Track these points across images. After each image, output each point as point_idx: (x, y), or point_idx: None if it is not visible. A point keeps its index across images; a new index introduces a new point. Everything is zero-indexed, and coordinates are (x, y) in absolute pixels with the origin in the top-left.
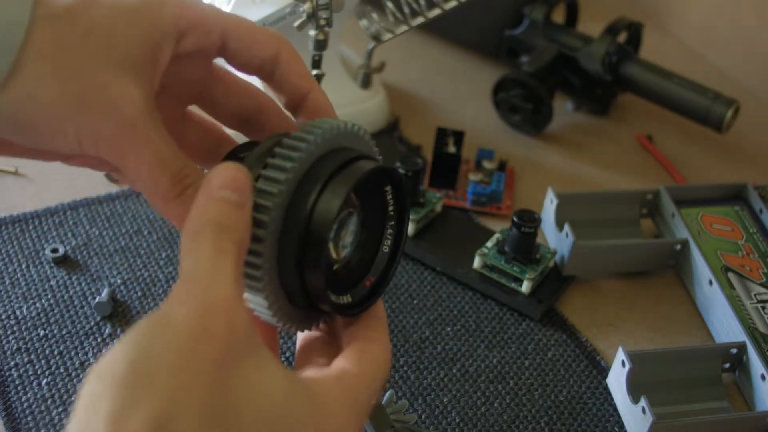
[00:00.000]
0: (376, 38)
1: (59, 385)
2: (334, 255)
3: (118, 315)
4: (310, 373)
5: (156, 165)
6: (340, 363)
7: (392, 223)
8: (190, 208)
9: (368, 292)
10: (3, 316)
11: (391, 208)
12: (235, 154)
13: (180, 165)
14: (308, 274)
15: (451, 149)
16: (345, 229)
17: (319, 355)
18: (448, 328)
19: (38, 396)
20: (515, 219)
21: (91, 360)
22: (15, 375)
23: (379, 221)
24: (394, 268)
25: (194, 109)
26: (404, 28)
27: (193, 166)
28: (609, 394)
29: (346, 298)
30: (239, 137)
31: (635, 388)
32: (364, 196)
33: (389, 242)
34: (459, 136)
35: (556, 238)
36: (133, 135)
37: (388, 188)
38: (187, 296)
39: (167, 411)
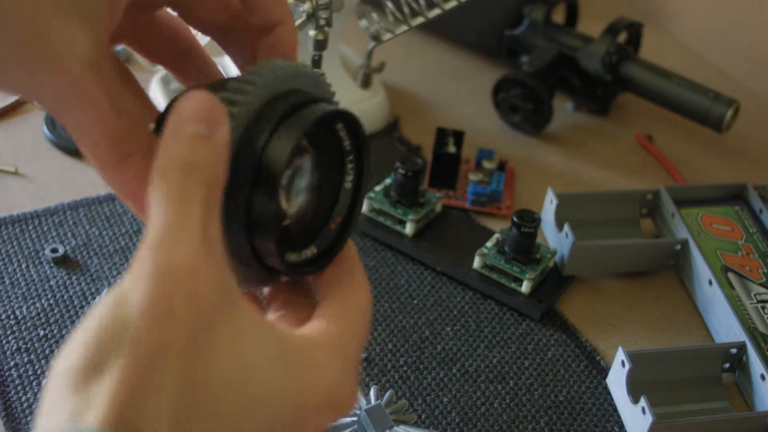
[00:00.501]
0: (376, 38)
1: None
2: (286, 207)
3: None
4: (292, 330)
5: (96, 128)
6: (322, 319)
7: (350, 157)
8: (132, 178)
9: (336, 235)
10: (3, 316)
11: (346, 143)
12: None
13: (123, 129)
14: (258, 234)
15: (451, 149)
16: (298, 176)
17: (290, 312)
18: (448, 328)
19: (38, 396)
20: (515, 219)
21: None
22: (15, 375)
23: (335, 160)
24: (360, 200)
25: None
26: (404, 28)
27: (139, 130)
28: (609, 394)
29: (311, 251)
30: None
31: (635, 388)
32: (315, 139)
33: (351, 177)
34: (459, 136)
35: (556, 238)
36: (74, 93)
37: (340, 125)
38: (143, 266)
39: (126, 412)
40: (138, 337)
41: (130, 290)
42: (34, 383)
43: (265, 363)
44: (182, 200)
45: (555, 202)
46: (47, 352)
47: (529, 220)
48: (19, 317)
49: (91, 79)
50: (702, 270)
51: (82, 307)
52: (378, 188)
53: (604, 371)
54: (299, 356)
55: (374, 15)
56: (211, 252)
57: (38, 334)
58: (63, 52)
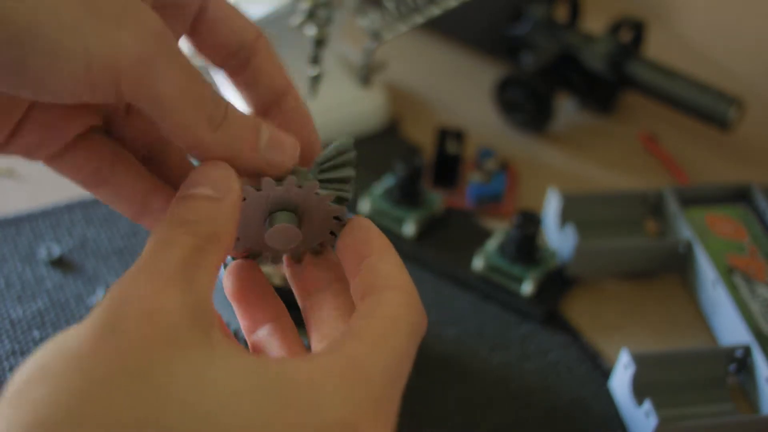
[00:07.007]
0: (376, 37)
1: None
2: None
3: None
4: (291, 359)
5: (196, 79)
6: (336, 337)
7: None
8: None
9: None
10: None
11: None
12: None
13: (210, 91)
14: None
15: (452, 149)
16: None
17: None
18: (449, 330)
19: None
20: (517, 220)
21: None
22: (10, 377)
23: None
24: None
25: None
26: (404, 26)
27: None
28: (612, 396)
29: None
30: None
31: (639, 391)
32: None
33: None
34: (460, 136)
35: (558, 239)
36: (164, 47)
37: None
38: (106, 296)
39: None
40: (71, 365)
41: (84, 320)
42: None
43: (241, 395)
44: (163, 243)
45: (557, 202)
46: None
47: (530, 221)
48: (14, 319)
49: (172, 36)
50: (706, 271)
51: (78, 308)
52: (378, 189)
53: (607, 373)
54: (293, 387)
55: (374, 13)
56: (183, 291)
57: (33, 337)
58: (140, 9)
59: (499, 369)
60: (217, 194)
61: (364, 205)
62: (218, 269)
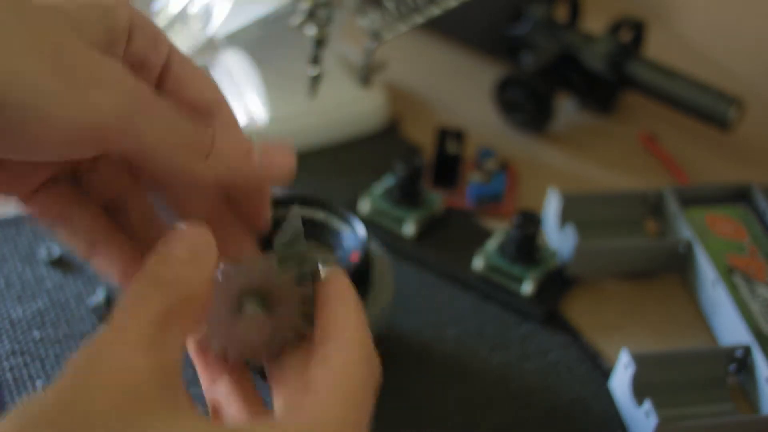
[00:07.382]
0: (376, 37)
1: None
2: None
3: None
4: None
5: (176, 121)
6: (296, 397)
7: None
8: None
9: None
10: None
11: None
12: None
13: (196, 131)
14: None
15: (452, 149)
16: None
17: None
18: (449, 330)
19: None
20: (517, 220)
21: None
22: (10, 378)
23: None
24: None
25: None
26: (404, 26)
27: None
28: (612, 396)
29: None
30: None
31: (639, 391)
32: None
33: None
34: (460, 136)
35: (558, 239)
36: (141, 100)
37: None
38: (74, 362)
39: None
40: None
41: (50, 388)
42: (29, 386)
43: None
44: (136, 301)
45: (557, 202)
46: (42, 354)
47: (530, 221)
48: (14, 319)
49: (151, 90)
50: (706, 271)
51: (78, 308)
52: (378, 189)
53: (607, 373)
54: None
55: (374, 13)
56: (152, 355)
57: (33, 337)
58: (115, 67)
59: (499, 369)
60: (194, 256)
61: (364, 205)
62: (190, 331)
